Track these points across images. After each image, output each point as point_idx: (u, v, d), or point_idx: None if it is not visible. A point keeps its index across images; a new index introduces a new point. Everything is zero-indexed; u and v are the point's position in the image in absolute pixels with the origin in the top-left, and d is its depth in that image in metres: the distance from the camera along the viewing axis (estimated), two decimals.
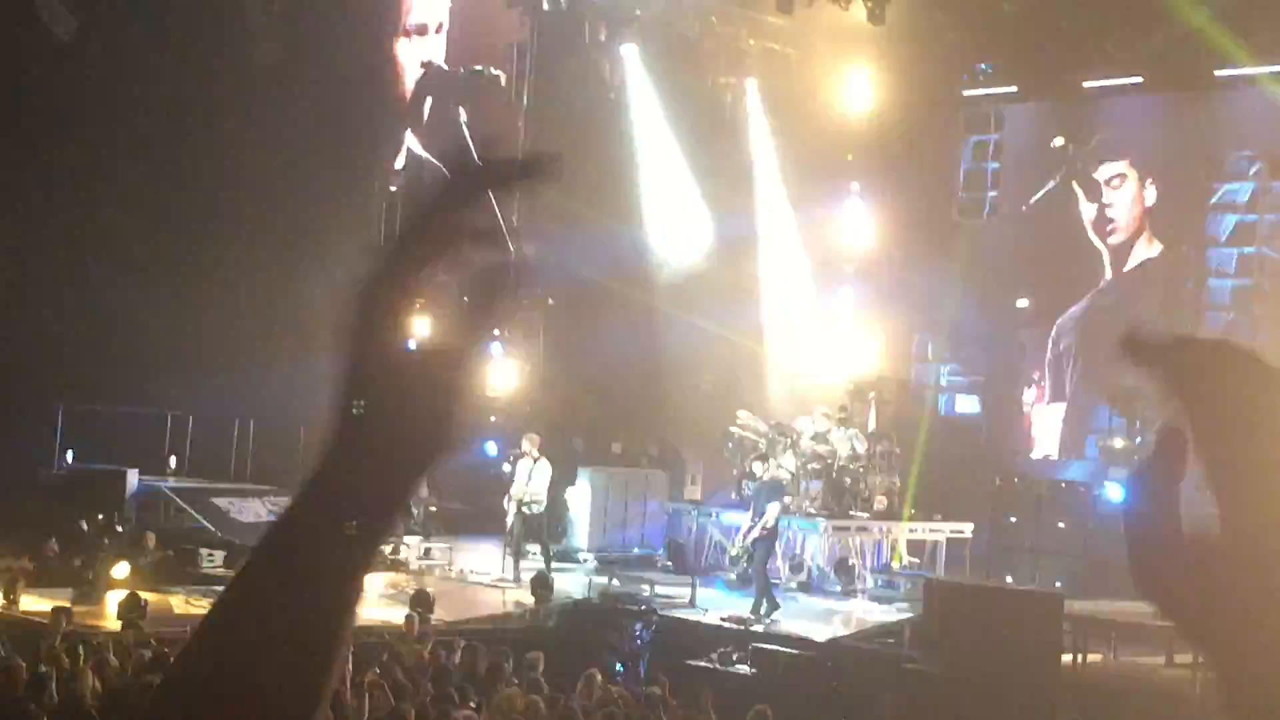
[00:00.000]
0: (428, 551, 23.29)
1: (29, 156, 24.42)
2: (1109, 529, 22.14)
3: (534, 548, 22.44)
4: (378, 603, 19.56)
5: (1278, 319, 23.62)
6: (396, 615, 17.32)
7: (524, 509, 21.99)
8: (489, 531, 23.69)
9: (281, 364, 25.71)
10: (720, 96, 27.84)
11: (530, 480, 22.08)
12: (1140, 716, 15.27)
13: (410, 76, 28.32)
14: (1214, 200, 24.61)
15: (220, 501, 23.55)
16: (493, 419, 26.94)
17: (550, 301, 27.68)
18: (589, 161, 26.79)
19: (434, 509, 24.39)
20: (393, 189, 28.19)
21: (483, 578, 22.01)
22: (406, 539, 23.12)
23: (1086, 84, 25.70)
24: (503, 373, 27.10)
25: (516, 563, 21.93)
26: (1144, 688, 16.22)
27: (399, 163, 28.53)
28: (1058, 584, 20.87)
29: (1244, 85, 23.96)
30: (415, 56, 28.35)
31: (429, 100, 28.18)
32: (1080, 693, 15.98)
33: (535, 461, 22.20)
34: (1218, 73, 23.99)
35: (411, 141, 28.34)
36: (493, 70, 27.62)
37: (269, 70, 25.71)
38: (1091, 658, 17.02)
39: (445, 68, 27.95)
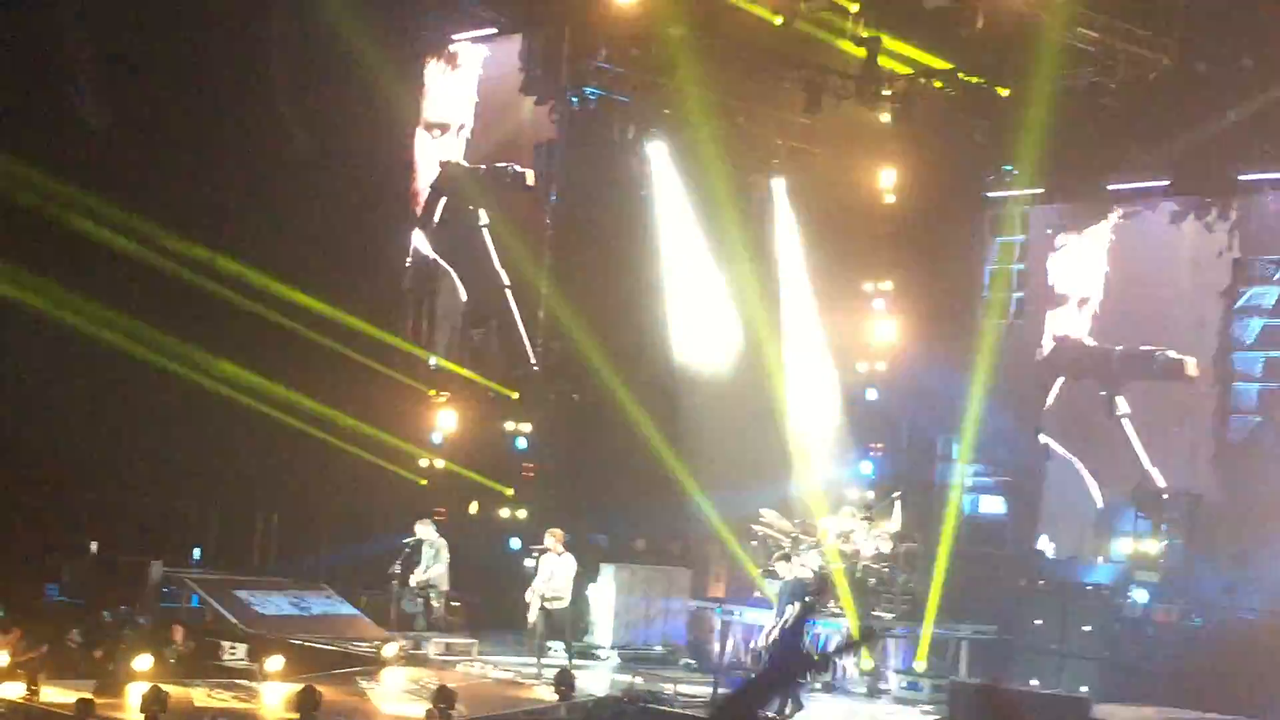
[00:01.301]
0: (449, 646, 23.20)
1: (59, 246, 24.61)
2: (1135, 633, 22.04)
3: (557, 644, 22.36)
4: (399, 698, 19.50)
5: None
6: (417, 711, 17.25)
7: (547, 604, 21.93)
8: (512, 627, 23.62)
9: (304, 457, 25.81)
10: (747, 195, 27.97)
11: (553, 576, 22.04)
12: None
13: (426, 172, 28.49)
14: (1239, 304, 24.61)
15: (243, 594, 23.52)
16: (519, 514, 26.94)
17: (575, 397, 27.73)
18: (616, 259, 26.95)
19: (456, 604, 24.33)
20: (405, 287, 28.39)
21: (505, 674, 21.91)
22: (428, 634, 23.06)
23: (1110, 187, 25.80)
24: (528, 468, 27.14)
25: (539, 659, 21.84)
26: None
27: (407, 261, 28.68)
28: (1083, 688, 20.71)
29: (1269, 189, 24.04)
30: (434, 153, 28.52)
31: (443, 200, 28.33)
32: None
33: (559, 557, 22.16)
34: (1241, 177, 24.09)
35: (420, 241, 28.41)
36: (517, 167, 27.79)
37: (296, 165, 25.97)
38: None
39: (465, 164, 28.12)
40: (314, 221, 26.12)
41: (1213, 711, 18.29)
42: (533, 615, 22.07)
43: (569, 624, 22.40)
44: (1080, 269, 26.79)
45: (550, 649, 22.28)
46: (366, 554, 25.02)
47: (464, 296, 28.35)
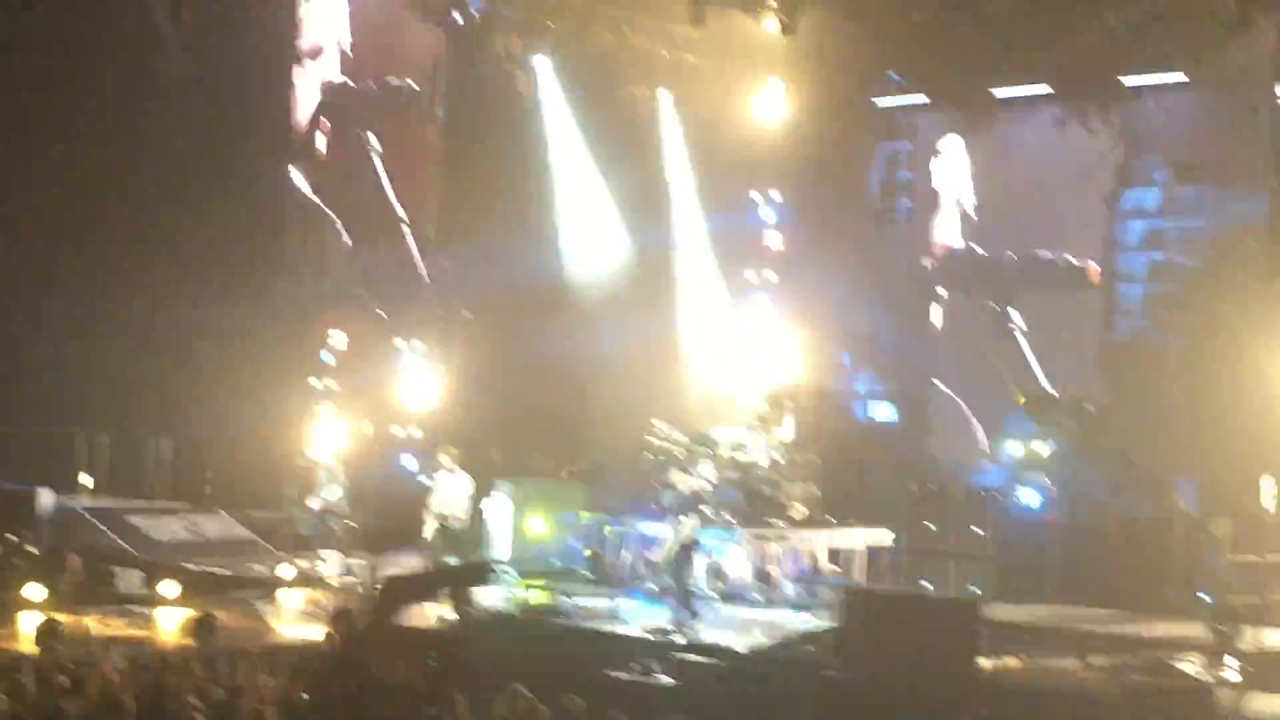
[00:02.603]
0: (347, 567, 23.17)
1: None
2: (1024, 534, 22.41)
3: (455, 561, 22.38)
4: (297, 620, 19.48)
5: (1187, 325, 23.94)
6: (316, 633, 17.22)
7: (444, 523, 21.95)
8: (410, 546, 23.60)
9: (194, 381, 25.54)
10: (634, 108, 27.87)
11: (449, 494, 22.02)
12: (1056, 718, 15.43)
13: (305, 103, 27.89)
14: (1124, 206, 24.89)
15: (136, 520, 23.29)
16: (414, 433, 26.86)
17: (466, 315, 27.62)
18: (504, 174, 26.79)
19: (353, 525, 24.27)
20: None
21: None
22: (325, 554, 23.01)
23: (996, 92, 25.94)
24: (421, 386, 27.03)
25: None
26: (1060, 689, 16.40)
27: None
28: (974, 589, 21.05)
29: (1150, 92, 24.27)
30: (314, 77, 27.90)
31: (329, 124, 27.82)
32: (997, 696, 16.12)
33: (453, 475, 22.15)
34: (1124, 81, 24.30)
35: (299, 179, 27.82)
36: (412, 83, 27.41)
37: (172, 88, 25.48)
38: (1008, 661, 17.16)
39: (352, 84, 27.65)
40: (194, 145, 25.65)
41: (1099, 608, 18.67)
42: (429, 533, 22.10)
43: (465, 541, 22.42)
44: (964, 177, 26.98)
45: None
46: (260, 476, 24.85)
47: (349, 242, 27.89)
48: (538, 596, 20.73)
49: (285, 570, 21.83)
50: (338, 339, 27.29)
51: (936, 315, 26.96)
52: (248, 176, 25.88)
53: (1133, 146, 24.82)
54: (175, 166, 25.60)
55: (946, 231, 27.28)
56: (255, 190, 26.54)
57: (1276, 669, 16.45)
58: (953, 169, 27.19)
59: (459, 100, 26.84)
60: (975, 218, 26.93)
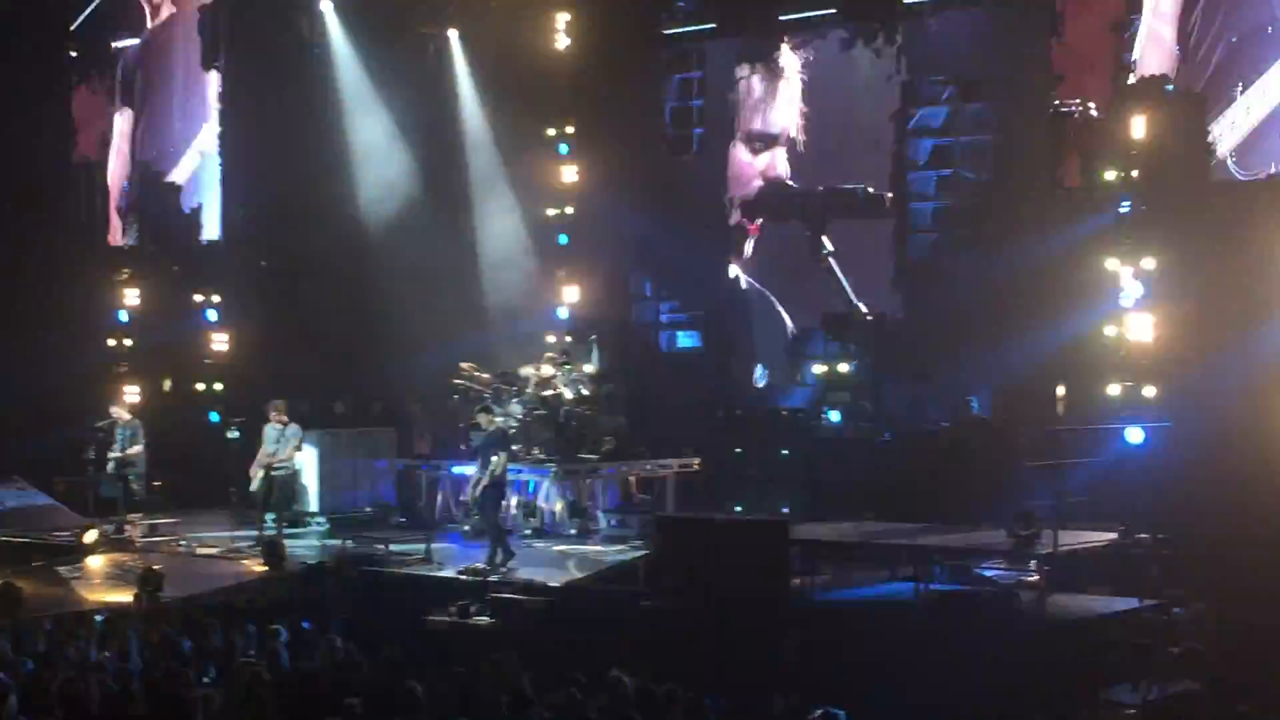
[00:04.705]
0: (153, 528, 22.83)
1: None
2: (828, 453, 22.77)
3: (269, 515, 22.15)
4: (104, 584, 19.18)
5: (976, 239, 24.42)
6: (124, 596, 16.98)
7: (273, 474, 21.67)
8: (216, 503, 23.34)
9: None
10: (422, 47, 27.58)
11: (278, 445, 21.76)
12: (867, 631, 15.76)
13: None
14: (912, 125, 25.27)
15: None
16: (216, 387, 26.50)
17: (263, 264, 27.24)
18: (292, 121, 26.38)
19: (157, 484, 23.90)
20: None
21: (211, 551, 21.64)
22: (130, 516, 22.64)
23: (782, 17, 26.13)
24: (221, 339, 26.66)
25: (260, 530, 21.60)
26: (871, 604, 16.76)
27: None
28: (784, 510, 21.36)
29: (932, 11, 24.61)
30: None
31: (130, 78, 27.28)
32: (810, 614, 16.43)
33: (284, 428, 21.89)
34: (906, 0, 24.63)
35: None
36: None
37: None
38: (820, 579, 17.48)
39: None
40: None
41: (904, 521, 19.06)
42: (255, 485, 21.80)
43: (288, 493, 22.13)
44: (767, 106, 27.16)
45: (264, 520, 22.07)
46: (58, 441, 24.34)
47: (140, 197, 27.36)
48: (351, 545, 20.62)
49: (89, 534, 21.44)
50: (132, 297, 26.83)
51: (743, 243, 27.08)
52: (27, 134, 25.19)
53: (917, 66, 25.16)
54: None
55: (755, 164, 27.43)
56: (36, 151, 25.87)
57: (1074, 569, 16.96)
58: (756, 101, 27.34)
59: (242, 46, 26.33)
60: (786, 149, 27.10)
